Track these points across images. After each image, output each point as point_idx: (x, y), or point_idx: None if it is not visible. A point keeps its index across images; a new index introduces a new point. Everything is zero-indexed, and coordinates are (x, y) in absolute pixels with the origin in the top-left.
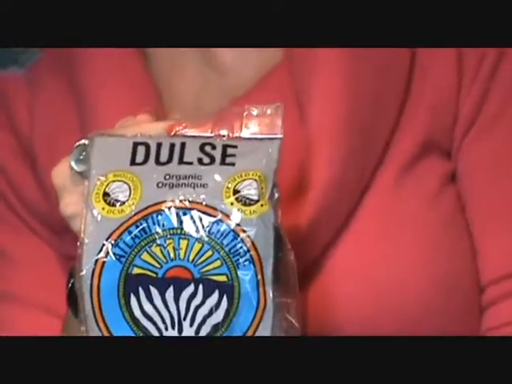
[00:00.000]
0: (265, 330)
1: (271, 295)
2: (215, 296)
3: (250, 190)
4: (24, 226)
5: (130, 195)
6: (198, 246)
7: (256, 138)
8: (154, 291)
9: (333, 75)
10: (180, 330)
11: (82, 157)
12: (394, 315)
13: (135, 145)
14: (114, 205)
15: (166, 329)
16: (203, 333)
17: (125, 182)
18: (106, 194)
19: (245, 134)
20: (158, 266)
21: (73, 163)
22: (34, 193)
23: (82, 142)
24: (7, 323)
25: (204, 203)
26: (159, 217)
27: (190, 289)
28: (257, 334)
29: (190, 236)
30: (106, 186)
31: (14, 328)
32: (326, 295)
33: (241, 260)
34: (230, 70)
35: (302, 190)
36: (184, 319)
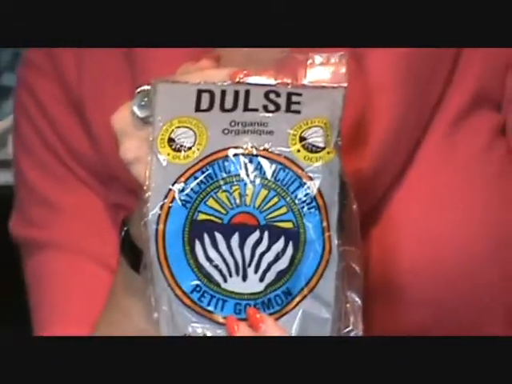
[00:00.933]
0: (329, 278)
1: (336, 242)
2: (281, 243)
3: (316, 137)
4: (72, 175)
5: (195, 141)
6: (264, 192)
7: (320, 86)
8: (219, 237)
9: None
10: (244, 276)
11: (144, 102)
12: (449, 263)
13: (199, 92)
14: (179, 150)
15: (231, 275)
16: (268, 280)
17: (190, 128)
18: (171, 140)
19: (309, 81)
20: (224, 211)
21: (135, 108)
22: (82, 143)
23: (145, 87)
24: (59, 275)
25: (270, 150)
26: (225, 163)
27: (256, 235)
28: (321, 282)
29: (256, 182)
30: (171, 132)
31: (61, 277)
32: (384, 242)
33: (306, 207)
34: None
35: (360, 138)
36: (249, 266)
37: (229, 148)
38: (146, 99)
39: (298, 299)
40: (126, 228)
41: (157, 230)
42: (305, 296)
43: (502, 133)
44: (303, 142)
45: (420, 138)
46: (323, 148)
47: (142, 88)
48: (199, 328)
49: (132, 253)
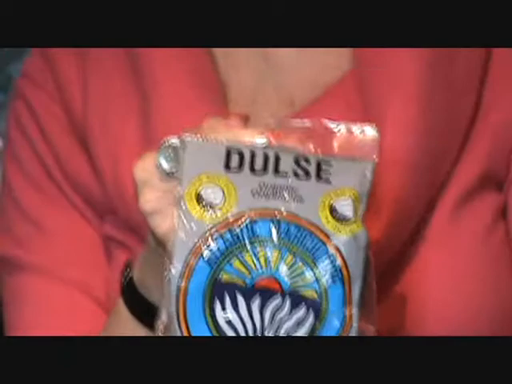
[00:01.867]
0: None
1: (356, 317)
2: (302, 311)
3: (345, 208)
4: (65, 200)
5: (223, 200)
6: (290, 258)
7: (350, 157)
8: (240, 299)
9: (407, 102)
10: None
11: (169, 155)
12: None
13: (229, 151)
14: (207, 208)
15: None
16: None
17: (219, 186)
18: (199, 197)
19: (339, 151)
20: (248, 274)
21: (162, 161)
22: (80, 169)
23: (171, 140)
24: (41, 300)
25: (299, 216)
26: (253, 225)
27: (277, 301)
28: None
29: (283, 248)
30: (200, 189)
31: (50, 307)
32: (387, 318)
33: (331, 278)
34: (287, 69)
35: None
36: (267, 331)
37: (258, 210)
38: (171, 153)
39: None
40: (128, 271)
41: (179, 287)
42: None
43: (502, 214)
44: (333, 212)
45: (425, 216)
46: (352, 220)
47: (168, 141)
48: None
49: (134, 300)
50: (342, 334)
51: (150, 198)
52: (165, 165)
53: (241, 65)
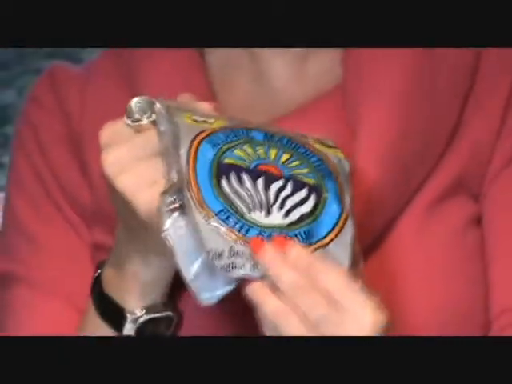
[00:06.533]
0: (345, 239)
1: (350, 210)
2: (304, 191)
3: (329, 140)
4: (59, 215)
5: (215, 120)
6: (286, 155)
7: None
8: (245, 177)
9: (386, 100)
10: (268, 212)
11: (142, 105)
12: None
13: None
14: (203, 122)
15: (255, 209)
16: (292, 217)
17: (210, 114)
18: (193, 119)
19: None
20: (250, 159)
21: (133, 104)
22: (74, 179)
23: (136, 99)
24: (26, 310)
25: (290, 133)
26: (249, 132)
27: (280, 183)
28: (336, 240)
29: (280, 148)
30: (193, 115)
31: (33, 317)
32: None
33: (326, 174)
34: (281, 91)
35: None
36: (273, 205)
37: (250, 124)
38: (144, 104)
39: (315, 246)
40: (99, 270)
41: (189, 154)
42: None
43: (476, 222)
44: (318, 139)
45: (398, 215)
46: (336, 147)
47: (134, 100)
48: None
49: (98, 298)
50: (341, 220)
51: (113, 159)
52: (135, 108)
53: (234, 85)
